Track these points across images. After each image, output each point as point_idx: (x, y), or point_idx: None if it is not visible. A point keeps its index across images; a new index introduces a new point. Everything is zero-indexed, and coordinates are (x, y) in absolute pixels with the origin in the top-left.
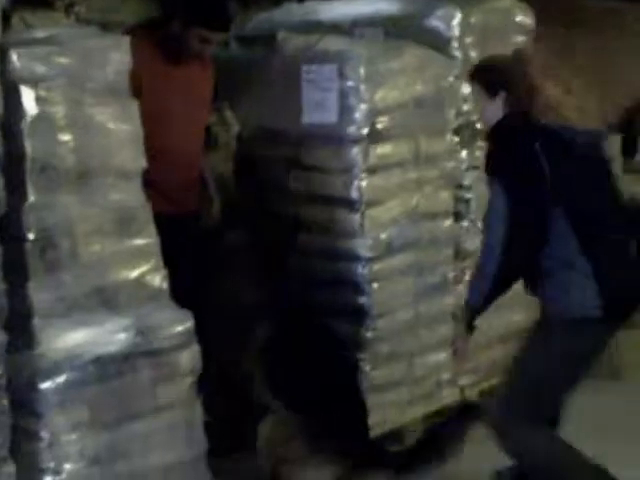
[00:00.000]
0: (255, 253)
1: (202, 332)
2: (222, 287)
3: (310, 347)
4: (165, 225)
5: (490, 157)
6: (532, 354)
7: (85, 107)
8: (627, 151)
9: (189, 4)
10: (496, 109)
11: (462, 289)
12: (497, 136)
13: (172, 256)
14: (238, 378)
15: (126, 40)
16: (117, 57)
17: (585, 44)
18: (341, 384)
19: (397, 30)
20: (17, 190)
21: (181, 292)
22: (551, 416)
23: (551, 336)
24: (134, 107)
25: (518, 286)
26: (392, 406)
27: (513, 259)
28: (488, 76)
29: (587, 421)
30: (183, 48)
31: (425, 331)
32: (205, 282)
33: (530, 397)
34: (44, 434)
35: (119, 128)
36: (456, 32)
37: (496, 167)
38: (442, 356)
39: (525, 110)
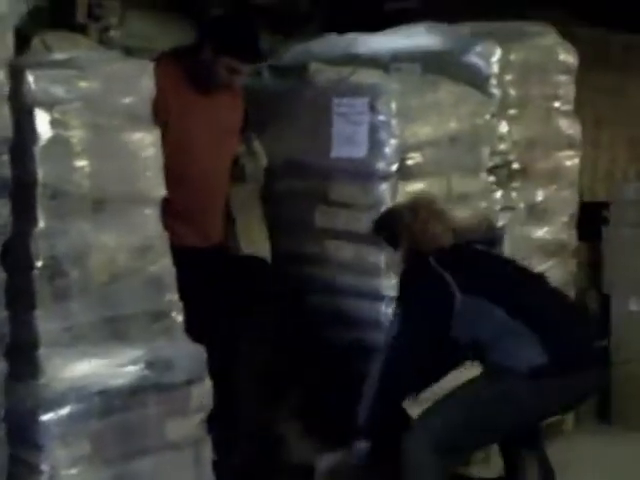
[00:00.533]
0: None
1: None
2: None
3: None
4: (188, 257)
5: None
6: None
7: (104, 132)
8: None
9: (220, 33)
10: (402, 258)
11: None
12: (407, 282)
13: (192, 289)
14: (271, 441)
15: (150, 66)
16: (140, 83)
17: (634, 85)
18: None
19: (435, 65)
20: (27, 216)
21: (197, 327)
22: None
23: (487, 383)
24: (155, 134)
25: None
26: None
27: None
28: (384, 233)
29: None
30: (211, 77)
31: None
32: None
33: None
34: (44, 467)
35: (139, 155)
36: (495, 69)
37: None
38: None
39: (421, 249)
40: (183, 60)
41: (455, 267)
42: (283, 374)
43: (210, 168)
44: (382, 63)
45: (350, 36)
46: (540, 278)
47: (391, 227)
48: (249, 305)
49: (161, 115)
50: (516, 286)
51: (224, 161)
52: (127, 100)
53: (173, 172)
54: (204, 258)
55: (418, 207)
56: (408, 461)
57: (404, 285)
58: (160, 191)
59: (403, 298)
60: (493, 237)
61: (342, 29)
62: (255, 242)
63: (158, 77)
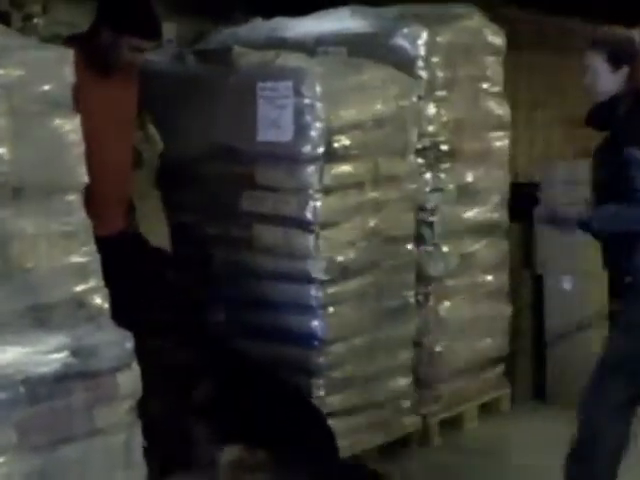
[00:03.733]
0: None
1: None
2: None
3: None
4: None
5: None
6: None
7: (24, 119)
8: None
9: (119, 13)
10: (615, 82)
11: (425, 314)
12: (610, 108)
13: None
14: (176, 433)
15: (70, 53)
16: (60, 70)
17: (573, 67)
18: (302, 410)
19: (362, 49)
20: None
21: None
22: None
23: None
24: (77, 121)
25: (484, 312)
26: (349, 433)
27: None
28: (615, 47)
29: None
30: (113, 58)
31: (384, 357)
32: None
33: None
34: None
35: (60, 142)
36: (422, 51)
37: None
38: (402, 383)
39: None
40: (83, 45)
41: None
42: (190, 368)
43: (112, 155)
44: (308, 47)
45: (276, 20)
46: None
47: (629, 54)
48: (148, 297)
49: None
50: None
51: (125, 147)
52: (47, 87)
53: None
54: (105, 246)
55: None
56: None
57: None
58: (82, 178)
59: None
60: None
61: (267, 13)
62: (153, 230)
63: None
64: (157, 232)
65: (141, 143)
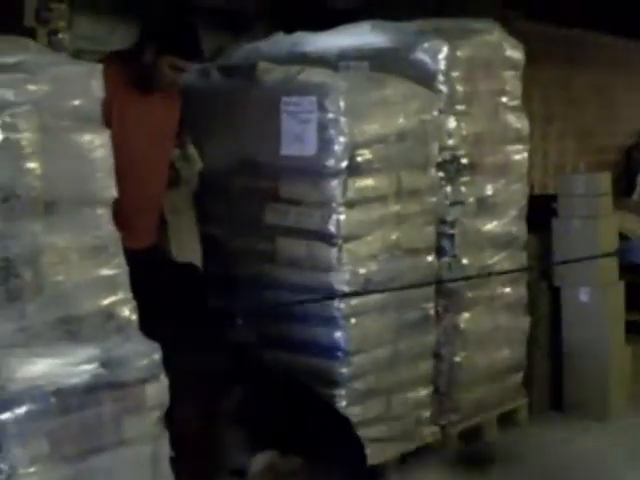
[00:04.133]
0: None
1: None
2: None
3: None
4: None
5: None
6: None
7: (54, 135)
8: (625, 188)
9: (162, 33)
10: None
11: (444, 325)
12: None
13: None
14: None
15: (99, 68)
16: (90, 85)
17: (586, 80)
18: (332, 418)
19: (383, 63)
20: None
21: None
22: None
23: None
24: (106, 136)
25: (502, 323)
26: (370, 443)
27: None
28: None
29: None
30: (155, 77)
31: (404, 368)
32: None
33: None
34: (3, 466)
35: (90, 157)
36: (442, 66)
37: None
38: (422, 393)
39: None
40: (126, 62)
41: None
42: (221, 375)
43: (147, 171)
44: (330, 62)
45: (297, 35)
46: None
47: None
48: (175, 309)
49: (106, 117)
50: None
51: (161, 164)
52: (76, 102)
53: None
54: (135, 260)
55: None
56: None
57: None
58: (111, 192)
59: None
60: None
61: (287, 28)
62: (186, 247)
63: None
64: (189, 248)
65: (180, 161)
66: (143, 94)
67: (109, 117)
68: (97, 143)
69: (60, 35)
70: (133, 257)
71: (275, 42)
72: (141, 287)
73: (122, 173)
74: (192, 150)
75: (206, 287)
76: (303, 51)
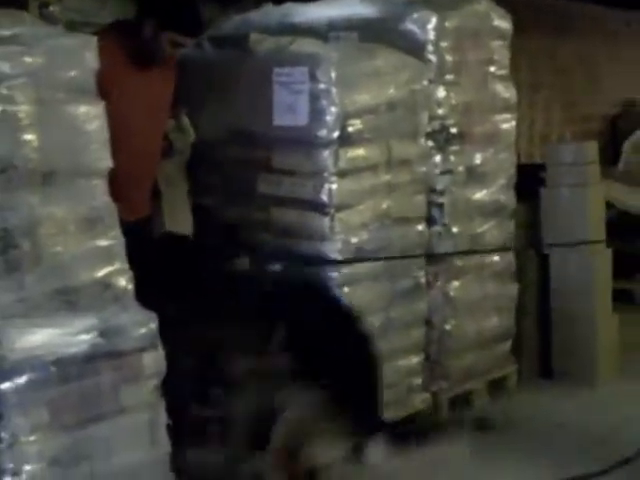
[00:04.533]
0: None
1: None
2: None
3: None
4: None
5: None
6: None
7: (51, 106)
8: (611, 157)
9: (162, 8)
10: None
11: (434, 294)
12: None
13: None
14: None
15: (94, 40)
16: (84, 57)
17: (573, 50)
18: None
19: (372, 34)
20: None
21: None
22: None
23: None
24: (101, 107)
25: (491, 291)
26: None
27: None
28: None
29: None
30: (155, 53)
31: (396, 336)
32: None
33: None
34: (4, 435)
35: (85, 128)
36: (431, 36)
37: None
38: (414, 361)
39: None
40: (123, 36)
41: None
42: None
43: (143, 143)
44: (319, 32)
45: (287, 6)
46: None
47: None
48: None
49: (102, 90)
50: None
51: (156, 136)
52: (72, 74)
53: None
54: (130, 232)
55: None
56: None
57: None
58: (106, 163)
59: None
60: None
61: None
62: (178, 217)
63: (101, 53)
64: (180, 219)
65: (173, 132)
66: (141, 68)
67: (106, 89)
68: (92, 114)
69: (51, 8)
70: (128, 229)
71: (265, 13)
72: (136, 258)
73: (118, 145)
74: (186, 121)
75: (199, 258)
76: (292, 22)
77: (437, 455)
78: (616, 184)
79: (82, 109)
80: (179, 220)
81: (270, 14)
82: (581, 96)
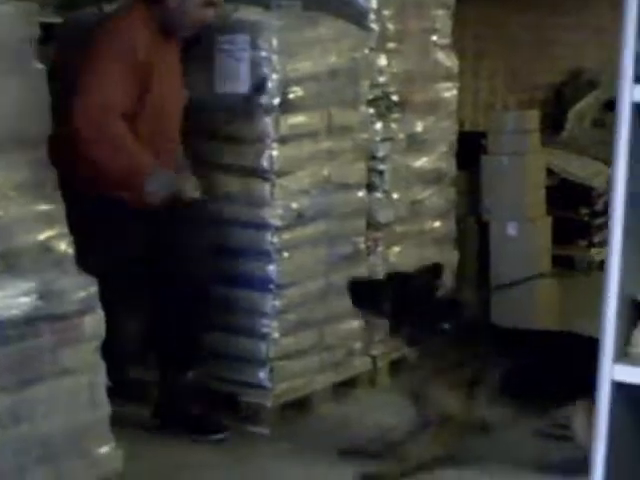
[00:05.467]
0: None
1: None
2: None
3: None
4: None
5: None
6: None
7: None
8: (555, 125)
9: None
10: None
11: (374, 260)
12: None
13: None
14: None
15: (34, 7)
16: (23, 25)
17: (519, 19)
18: None
19: (315, 2)
20: None
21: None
22: None
23: None
24: (40, 75)
25: (431, 257)
26: (303, 373)
27: None
28: None
29: None
30: (181, 20)
31: (336, 300)
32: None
33: None
34: None
35: (25, 96)
36: (373, 4)
37: None
38: (354, 325)
39: None
40: (150, 7)
41: None
42: None
43: (174, 113)
44: (262, 0)
45: None
46: None
47: None
48: None
49: (140, 72)
50: None
51: (181, 106)
52: (10, 43)
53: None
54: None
55: None
56: None
57: None
58: (47, 129)
59: None
60: None
61: None
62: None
63: (134, 30)
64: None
65: None
66: (167, 38)
67: (148, 61)
68: (32, 82)
69: None
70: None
71: None
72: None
73: (155, 118)
74: None
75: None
76: None
77: None
78: (559, 152)
79: (21, 77)
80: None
81: None
82: (526, 65)
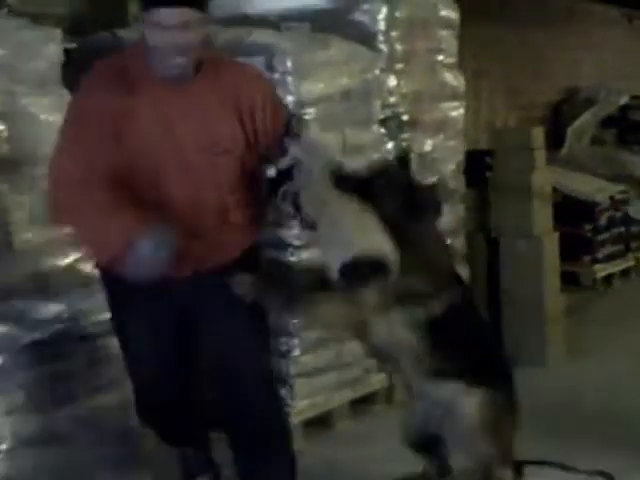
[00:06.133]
0: None
1: None
2: None
3: None
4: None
5: None
6: None
7: (17, 98)
8: (554, 143)
9: None
10: None
11: None
12: None
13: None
14: None
15: (57, 33)
16: (50, 49)
17: (516, 38)
18: None
19: (324, 24)
20: None
21: None
22: None
23: None
24: (64, 98)
25: None
26: (321, 391)
27: None
28: None
29: None
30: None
31: None
32: None
33: None
34: None
35: (51, 118)
36: (382, 26)
37: None
38: None
39: None
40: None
41: None
42: None
43: (182, 167)
44: (272, 23)
45: None
46: None
47: None
48: None
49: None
50: None
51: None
52: (37, 66)
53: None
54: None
55: None
56: None
57: None
58: None
59: None
60: None
61: None
62: None
63: (94, 90)
64: None
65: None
66: (168, 83)
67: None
68: (57, 105)
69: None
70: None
71: (216, 5)
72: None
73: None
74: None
75: None
76: (245, 13)
77: None
78: (560, 169)
79: (47, 100)
80: None
81: (222, 6)
82: (525, 83)
